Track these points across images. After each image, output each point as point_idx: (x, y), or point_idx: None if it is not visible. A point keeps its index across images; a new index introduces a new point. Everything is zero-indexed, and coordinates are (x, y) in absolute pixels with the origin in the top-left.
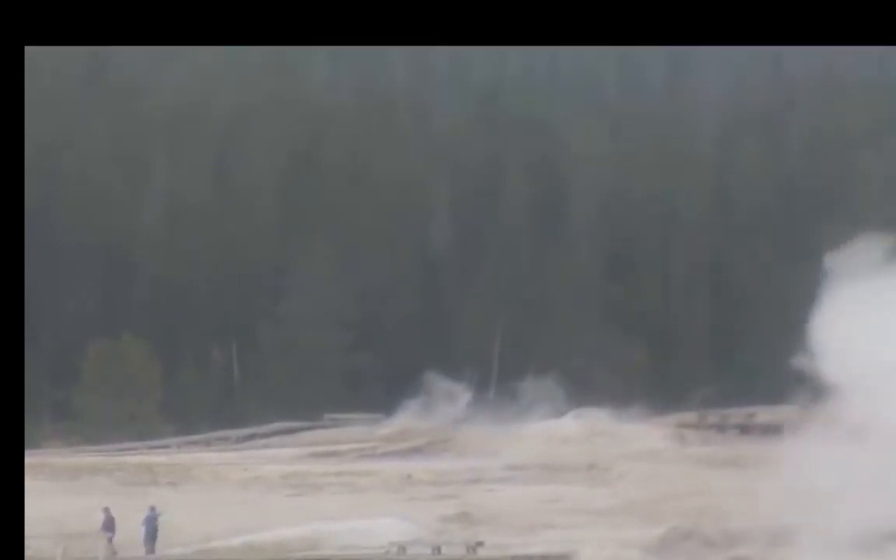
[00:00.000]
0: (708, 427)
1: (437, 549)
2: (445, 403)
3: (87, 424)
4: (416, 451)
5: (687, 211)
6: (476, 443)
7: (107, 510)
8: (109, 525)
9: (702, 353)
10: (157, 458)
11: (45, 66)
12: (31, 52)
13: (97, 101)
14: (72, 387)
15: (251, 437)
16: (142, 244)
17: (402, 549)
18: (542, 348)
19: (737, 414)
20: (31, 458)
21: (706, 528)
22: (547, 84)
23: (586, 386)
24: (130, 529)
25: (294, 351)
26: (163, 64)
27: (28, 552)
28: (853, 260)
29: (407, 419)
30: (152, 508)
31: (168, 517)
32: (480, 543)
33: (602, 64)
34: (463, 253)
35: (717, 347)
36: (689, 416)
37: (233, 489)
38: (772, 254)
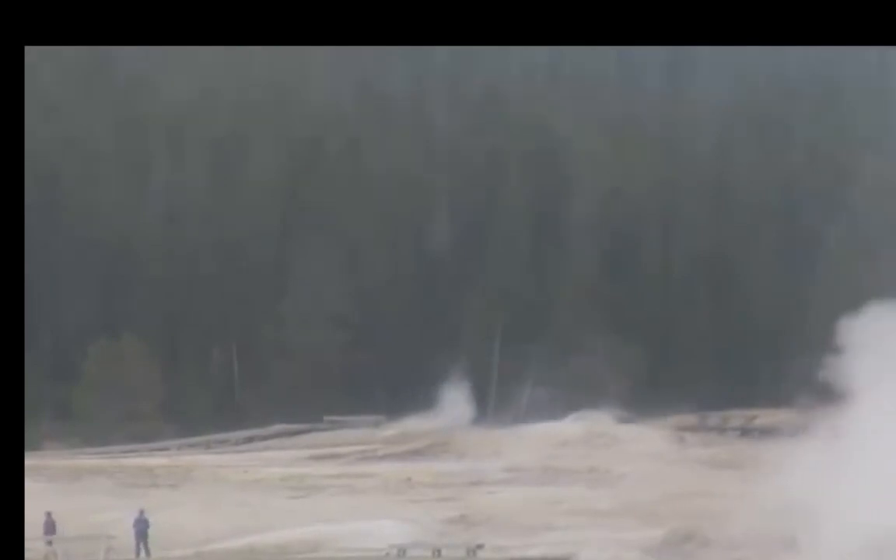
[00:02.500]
0: (708, 429)
1: (438, 552)
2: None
3: (87, 425)
4: (416, 453)
5: (688, 211)
6: (476, 445)
7: (48, 514)
8: (50, 529)
9: (702, 355)
10: (158, 459)
11: (45, 66)
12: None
13: (97, 101)
14: (72, 387)
15: (251, 439)
16: (142, 243)
17: (403, 551)
18: (542, 349)
19: (737, 416)
20: (31, 460)
21: (706, 530)
22: (547, 84)
23: (587, 388)
24: (129, 532)
25: (294, 351)
26: (164, 63)
27: (28, 555)
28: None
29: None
30: (142, 511)
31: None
32: (481, 546)
33: (602, 64)
34: (463, 252)
35: (718, 349)
36: (690, 419)
37: (233, 491)
38: (773, 255)
